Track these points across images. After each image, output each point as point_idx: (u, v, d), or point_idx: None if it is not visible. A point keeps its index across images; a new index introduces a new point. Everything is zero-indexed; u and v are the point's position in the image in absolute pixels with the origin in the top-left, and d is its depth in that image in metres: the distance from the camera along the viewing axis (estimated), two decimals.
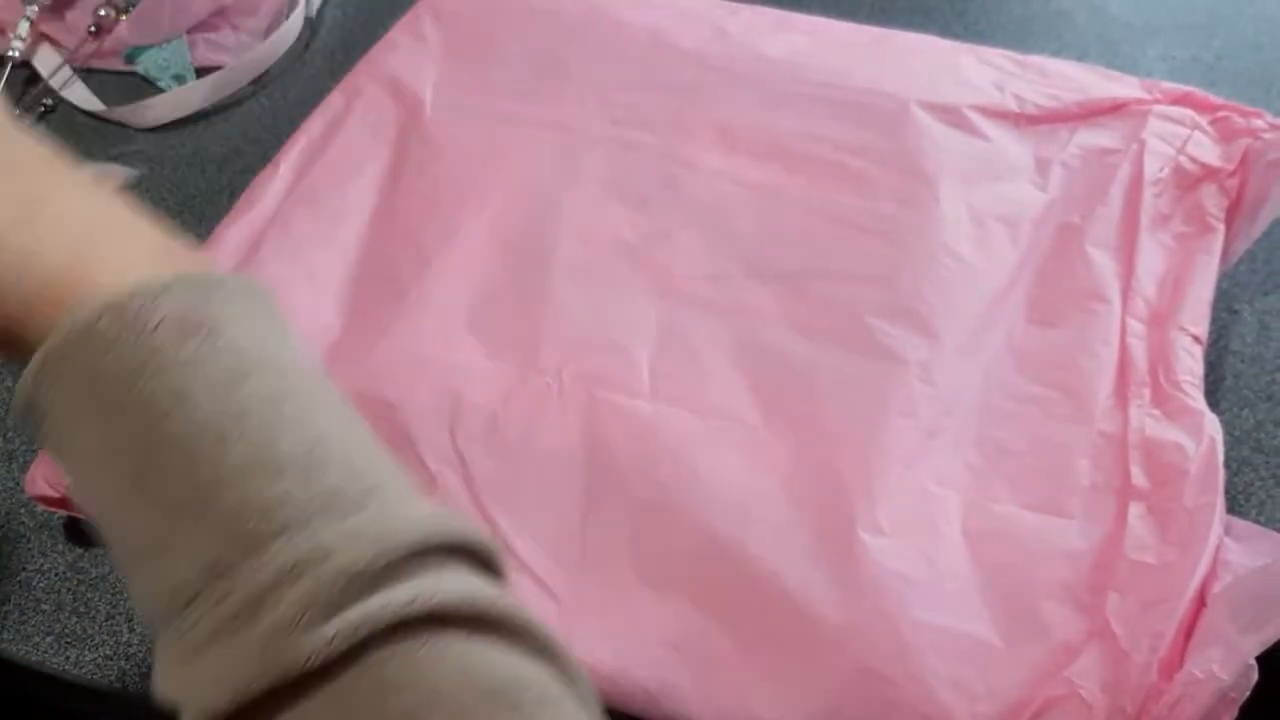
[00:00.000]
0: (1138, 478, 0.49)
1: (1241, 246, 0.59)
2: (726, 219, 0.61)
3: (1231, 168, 0.59)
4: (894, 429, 0.52)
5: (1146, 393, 0.52)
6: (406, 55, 0.72)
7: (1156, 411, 0.51)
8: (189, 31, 0.80)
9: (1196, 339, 0.54)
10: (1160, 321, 0.54)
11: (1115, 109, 0.64)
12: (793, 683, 0.45)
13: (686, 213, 0.61)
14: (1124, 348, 0.54)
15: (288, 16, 0.81)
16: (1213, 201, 0.59)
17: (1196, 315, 0.54)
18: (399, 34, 0.74)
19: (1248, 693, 0.40)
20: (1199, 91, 0.64)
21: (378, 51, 0.73)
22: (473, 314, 0.58)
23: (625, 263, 0.60)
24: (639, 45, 0.71)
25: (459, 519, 0.35)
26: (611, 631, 0.48)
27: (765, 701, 0.45)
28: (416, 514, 0.34)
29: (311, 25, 0.82)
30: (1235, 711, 0.40)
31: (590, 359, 0.55)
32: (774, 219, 0.61)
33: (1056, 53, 0.73)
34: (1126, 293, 0.56)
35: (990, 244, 0.58)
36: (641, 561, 0.49)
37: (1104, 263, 0.57)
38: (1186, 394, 0.51)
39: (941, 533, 0.49)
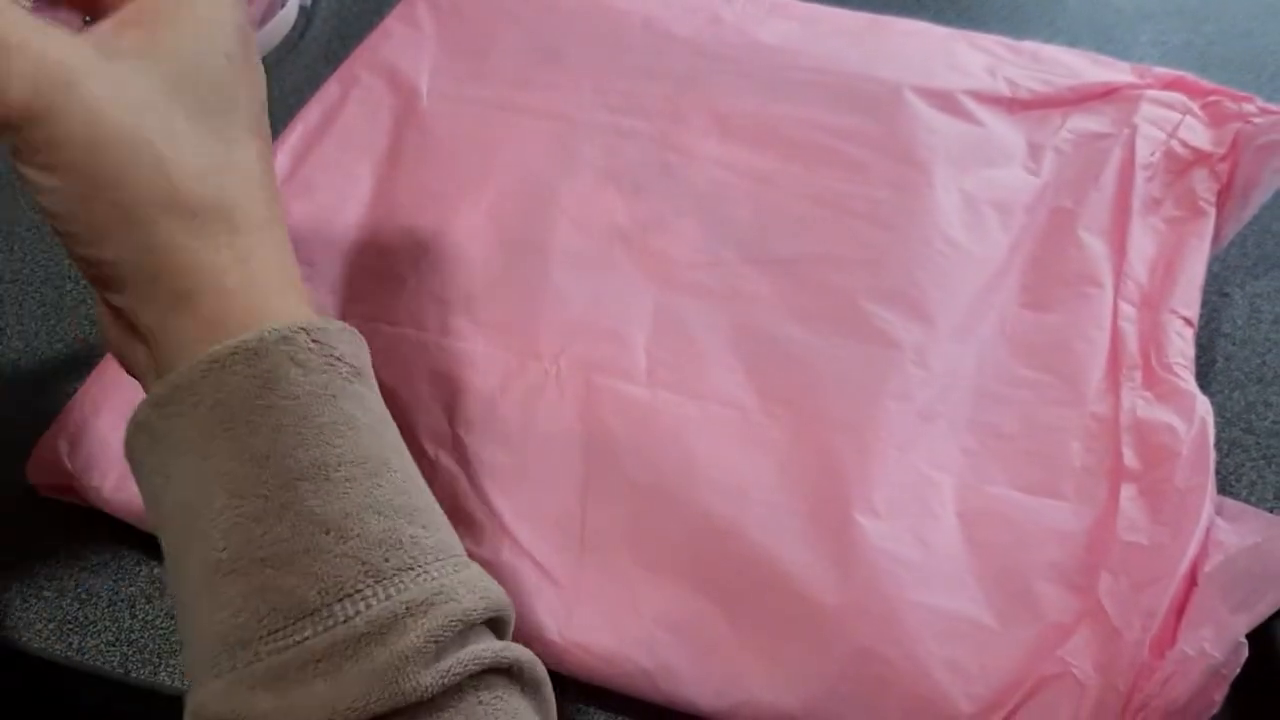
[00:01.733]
0: (1130, 459, 0.50)
1: (1232, 230, 0.60)
2: (722, 205, 0.61)
3: (1222, 152, 0.60)
4: (889, 413, 0.52)
5: (1138, 375, 0.52)
6: (402, 44, 0.72)
7: (1148, 394, 0.52)
8: None
9: (1188, 322, 0.54)
10: (1152, 305, 0.55)
11: (1107, 94, 0.64)
12: (789, 664, 0.46)
13: (682, 199, 0.62)
14: (1116, 331, 0.54)
15: (283, 6, 0.81)
16: (1204, 186, 0.59)
17: (1188, 298, 0.55)
18: (394, 22, 0.74)
19: (1239, 670, 0.41)
20: (1190, 76, 0.64)
21: (373, 40, 0.73)
22: (470, 301, 0.58)
23: (621, 249, 0.60)
24: (633, 32, 0.71)
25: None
26: (610, 614, 0.48)
27: (762, 682, 0.46)
28: (492, 580, 0.38)
29: (306, 14, 0.82)
30: (1226, 688, 0.41)
31: (587, 345, 0.56)
32: (769, 205, 0.61)
33: (1049, 38, 0.73)
34: (1118, 276, 0.56)
35: (984, 228, 0.59)
36: (639, 545, 0.50)
37: (1096, 247, 0.57)
38: (1178, 376, 0.52)
39: (936, 515, 0.49)
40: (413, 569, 0.35)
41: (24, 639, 0.53)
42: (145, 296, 0.37)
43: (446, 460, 0.52)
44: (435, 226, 0.62)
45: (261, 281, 0.38)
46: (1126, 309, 0.55)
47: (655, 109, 0.66)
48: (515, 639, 0.46)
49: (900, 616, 0.46)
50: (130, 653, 0.52)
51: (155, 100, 0.37)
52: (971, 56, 0.67)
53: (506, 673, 0.37)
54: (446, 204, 0.63)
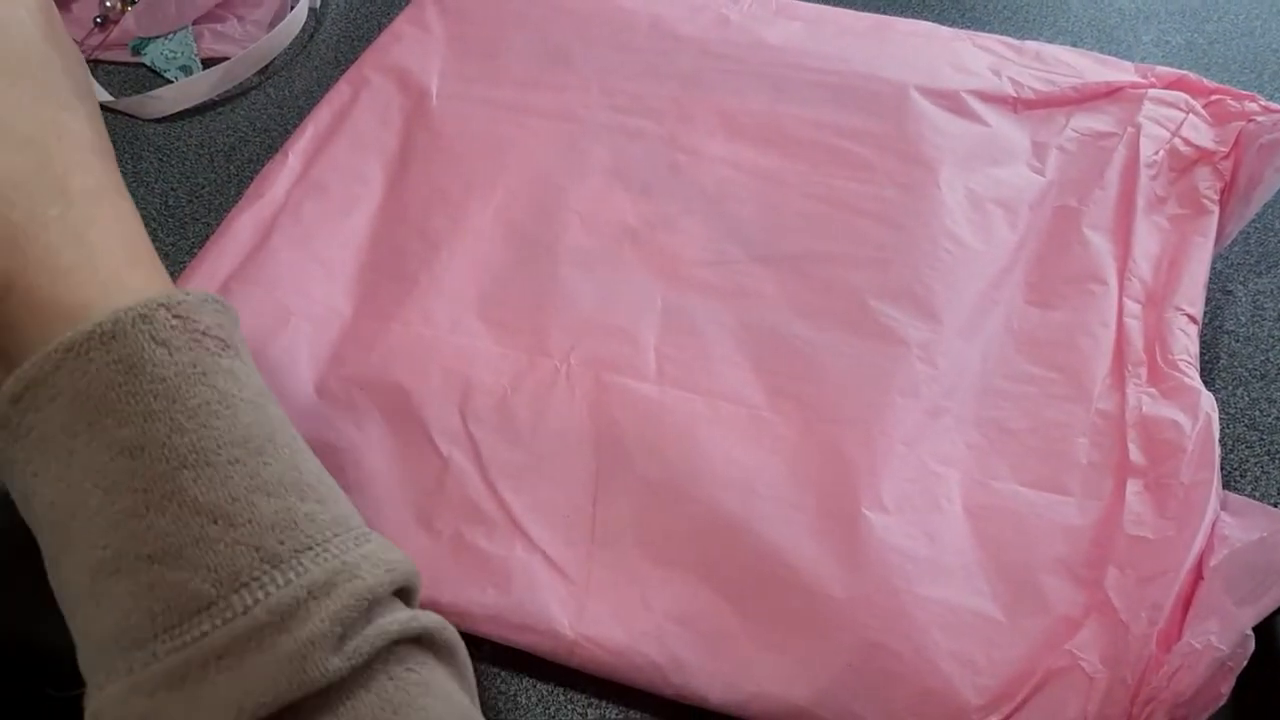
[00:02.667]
0: (1135, 455, 0.50)
1: (1236, 228, 0.60)
2: (729, 204, 0.62)
3: (1225, 150, 0.60)
4: (896, 409, 0.53)
5: (1143, 372, 0.53)
6: (411, 45, 0.73)
7: (1153, 390, 0.52)
8: (195, 23, 0.81)
9: (1192, 319, 0.55)
10: (1156, 302, 0.55)
11: (1111, 93, 0.65)
12: (798, 657, 0.47)
13: (689, 198, 0.62)
14: (1121, 328, 0.55)
15: (292, 7, 0.81)
16: (1207, 184, 0.60)
17: (1192, 296, 0.55)
18: (403, 24, 0.75)
19: (1245, 662, 0.41)
20: (1193, 76, 0.65)
21: (383, 41, 0.74)
22: (481, 300, 0.59)
23: (630, 248, 0.61)
24: (640, 33, 0.72)
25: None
26: (621, 608, 0.49)
27: (771, 675, 0.46)
28: (397, 550, 0.36)
29: (316, 16, 0.83)
30: (1232, 681, 0.41)
31: (597, 343, 0.57)
32: (776, 204, 0.62)
33: (1052, 38, 0.74)
34: (1123, 274, 0.57)
35: (989, 227, 0.59)
36: (649, 540, 0.50)
37: (1101, 245, 0.58)
38: (1183, 373, 0.52)
39: (943, 510, 0.50)
40: (311, 548, 0.33)
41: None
42: None
43: (459, 458, 0.53)
44: (445, 226, 0.62)
45: (104, 256, 0.36)
46: (1131, 306, 0.55)
47: (663, 109, 0.67)
48: (529, 634, 0.47)
49: (908, 610, 0.46)
50: None
51: None
52: (976, 56, 0.68)
53: (417, 642, 0.35)
54: (457, 204, 0.63)
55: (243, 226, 0.63)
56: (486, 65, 0.71)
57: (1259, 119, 0.60)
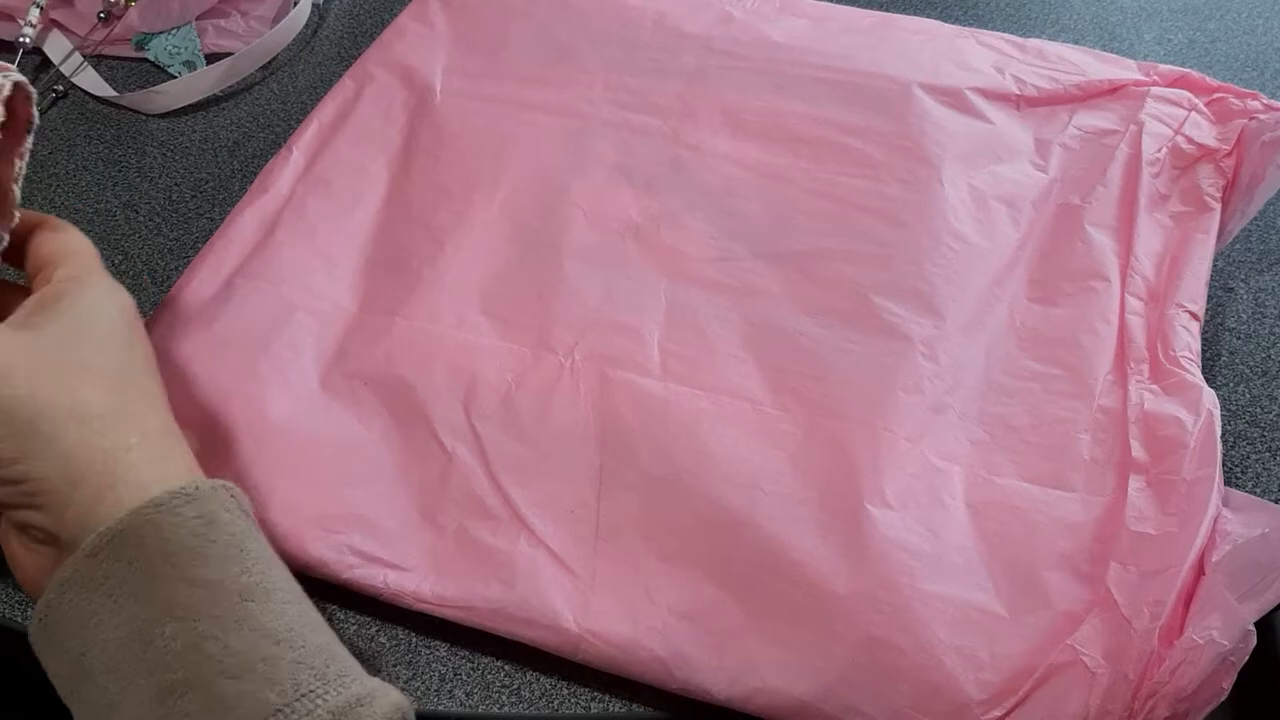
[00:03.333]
0: (1137, 451, 0.50)
1: (1237, 226, 0.61)
2: (733, 200, 0.62)
3: (1228, 149, 0.61)
4: (899, 405, 0.53)
5: (1145, 369, 0.53)
6: (415, 41, 0.73)
7: (1155, 387, 0.52)
8: (198, 18, 0.81)
9: (1194, 316, 0.55)
10: (1159, 299, 0.56)
11: (1113, 91, 0.65)
12: (802, 651, 0.47)
13: (693, 194, 0.62)
14: (1123, 325, 0.55)
15: (296, 3, 0.81)
16: (1209, 182, 0.60)
17: (1194, 293, 0.56)
18: (407, 20, 0.75)
19: (1246, 657, 0.41)
20: (1195, 73, 0.65)
21: (387, 37, 0.74)
22: (485, 296, 0.59)
23: (634, 244, 0.61)
24: (645, 30, 0.72)
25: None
26: (625, 603, 0.49)
27: (775, 669, 0.47)
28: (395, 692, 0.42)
29: (319, 11, 0.83)
30: (1234, 675, 0.41)
31: (601, 339, 0.57)
32: (780, 200, 0.62)
33: (1054, 36, 0.75)
34: (1125, 271, 0.57)
35: (992, 224, 0.60)
36: (654, 535, 0.50)
37: (1103, 242, 0.58)
38: (1185, 370, 0.52)
39: (946, 506, 0.50)
40: (348, 675, 0.40)
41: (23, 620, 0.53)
42: (64, 501, 0.42)
43: (463, 453, 0.53)
44: (449, 222, 0.62)
45: (161, 453, 0.45)
46: (1133, 303, 0.55)
47: (667, 106, 0.67)
48: (534, 628, 0.48)
49: (911, 605, 0.47)
50: None
51: (63, 343, 0.45)
52: (979, 54, 0.68)
53: None
54: (460, 199, 0.63)
55: (247, 222, 0.63)
56: (490, 61, 0.71)
57: (1261, 117, 0.61)
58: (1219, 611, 0.43)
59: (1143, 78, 0.65)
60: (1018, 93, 0.65)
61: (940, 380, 0.54)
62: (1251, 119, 0.61)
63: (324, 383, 0.56)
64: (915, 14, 0.73)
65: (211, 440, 0.54)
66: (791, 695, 0.46)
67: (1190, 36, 0.75)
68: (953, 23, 0.72)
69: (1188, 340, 0.54)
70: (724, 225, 0.61)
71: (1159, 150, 0.61)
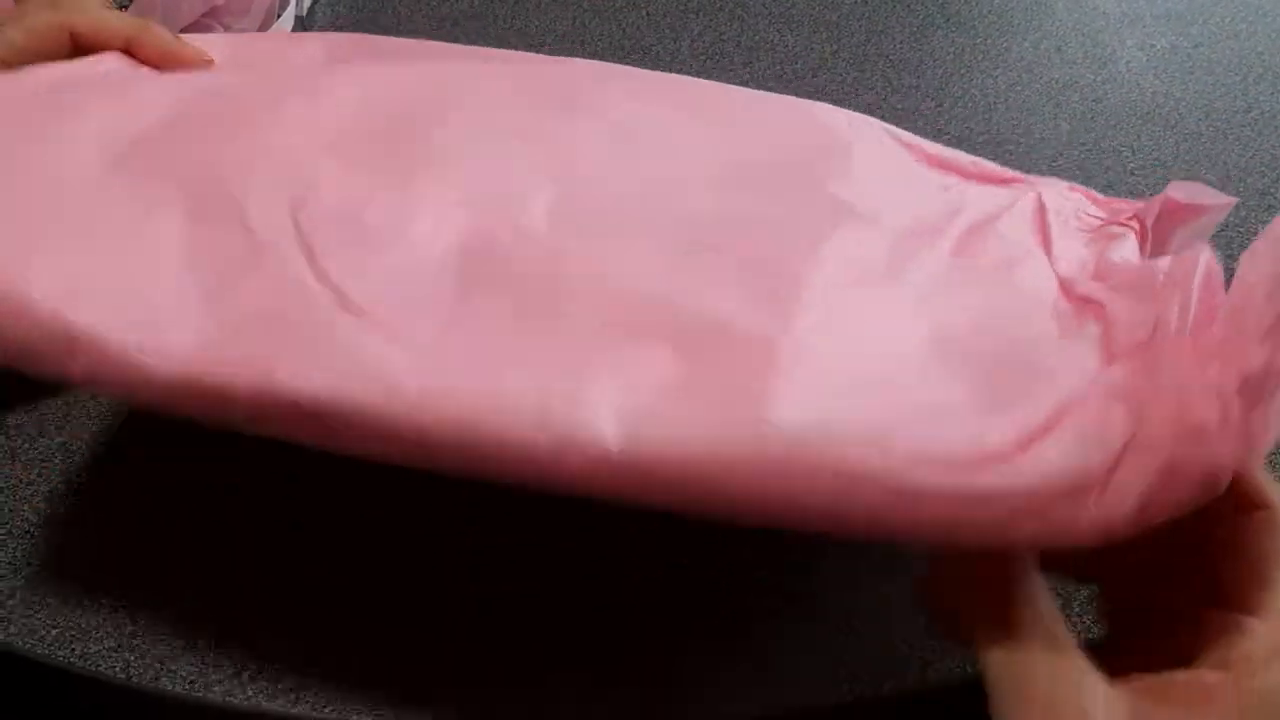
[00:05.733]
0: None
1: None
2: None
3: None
4: (835, 259, 0.42)
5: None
6: None
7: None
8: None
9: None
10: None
11: (1004, 181, 0.56)
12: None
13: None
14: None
15: (279, 16, 0.82)
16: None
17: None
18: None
19: None
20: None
21: None
22: (334, 148, 0.46)
23: (519, 142, 0.48)
24: None
25: None
26: (482, 364, 0.37)
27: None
28: None
29: (303, 25, 0.84)
30: None
31: (476, 194, 0.44)
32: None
33: (1036, 43, 0.74)
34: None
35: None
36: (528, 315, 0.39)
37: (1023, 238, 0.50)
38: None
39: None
40: None
41: (28, 646, 0.49)
42: None
43: (284, 245, 0.41)
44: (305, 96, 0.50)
45: None
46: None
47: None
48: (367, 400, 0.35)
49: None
50: (132, 659, 0.48)
51: None
52: None
53: None
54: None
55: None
56: None
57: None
58: None
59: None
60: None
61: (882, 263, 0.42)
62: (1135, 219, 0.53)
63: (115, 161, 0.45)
64: (895, 20, 0.71)
65: None
66: None
67: (1173, 42, 0.74)
68: (935, 30, 0.70)
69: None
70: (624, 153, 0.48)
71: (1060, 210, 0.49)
